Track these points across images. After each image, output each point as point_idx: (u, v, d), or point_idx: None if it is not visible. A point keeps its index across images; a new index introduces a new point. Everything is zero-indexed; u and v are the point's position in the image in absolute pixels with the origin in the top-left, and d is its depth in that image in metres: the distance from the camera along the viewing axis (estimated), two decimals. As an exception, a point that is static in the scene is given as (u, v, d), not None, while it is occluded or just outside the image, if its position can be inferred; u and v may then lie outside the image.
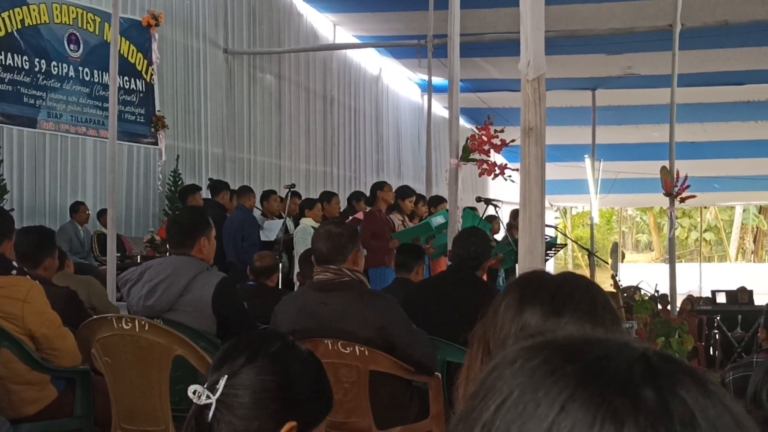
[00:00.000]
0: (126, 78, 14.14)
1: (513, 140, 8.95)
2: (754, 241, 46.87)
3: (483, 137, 8.88)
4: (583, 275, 2.03)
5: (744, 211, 43.56)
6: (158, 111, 14.76)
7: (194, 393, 2.08)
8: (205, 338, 4.98)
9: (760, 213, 44.15)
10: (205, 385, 2.09)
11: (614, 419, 0.79)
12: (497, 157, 9.67)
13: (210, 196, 13.08)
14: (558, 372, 0.84)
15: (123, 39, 13.30)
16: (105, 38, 13.70)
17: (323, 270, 4.98)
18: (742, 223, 45.59)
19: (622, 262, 40.47)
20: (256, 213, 12.84)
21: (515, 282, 1.94)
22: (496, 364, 0.89)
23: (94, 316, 4.95)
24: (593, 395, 0.81)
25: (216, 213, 11.65)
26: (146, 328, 4.56)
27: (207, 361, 4.68)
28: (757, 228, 45.94)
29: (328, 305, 4.87)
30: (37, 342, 5.03)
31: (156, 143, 14.70)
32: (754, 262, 44.56)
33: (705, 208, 36.39)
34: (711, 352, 14.11)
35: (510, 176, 8.89)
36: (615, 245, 20.02)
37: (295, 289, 11.40)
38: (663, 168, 12.92)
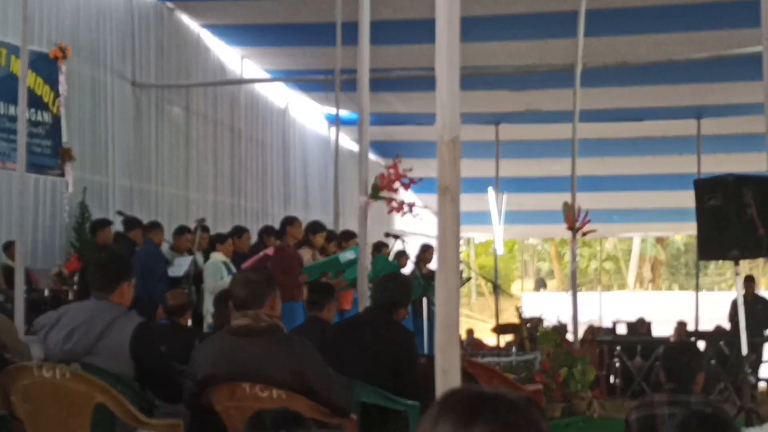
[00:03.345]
0: (33, 110, 14.00)
1: (421, 178, 9.17)
2: (652, 270, 47.93)
3: (392, 176, 9.05)
4: (514, 393, 1.89)
5: (642, 241, 44.53)
6: (65, 143, 14.66)
7: None
8: (123, 382, 5.04)
9: (657, 243, 45.21)
10: None
11: None
12: (404, 193, 9.87)
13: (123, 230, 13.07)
14: None
15: (30, 71, 13.19)
16: (11, 70, 13.60)
17: (241, 315, 5.09)
18: (641, 253, 46.61)
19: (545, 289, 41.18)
20: (165, 247, 12.84)
21: (440, 397, 1.87)
22: None
23: (14, 364, 4.97)
24: None
25: (126, 247, 11.68)
26: (67, 376, 4.62)
27: (126, 407, 4.76)
28: (655, 258, 47.02)
29: (246, 350, 4.98)
30: (-46, 388, 5.03)
31: (63, 175, 14.60)
32: (651, 290, 45.56)
33: (604, 238, 37.12)
34: (611, 381, 14.48)
35: (417, 214, 9.11)
36: (541, 280, 20.35)
37: (205, 324, 11.47)
38: (565, 203, 13.25)
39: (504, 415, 1.78)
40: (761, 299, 15.63)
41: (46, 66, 14.40)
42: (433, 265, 13.49)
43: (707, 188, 9.57)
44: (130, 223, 13.14)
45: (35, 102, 14.06)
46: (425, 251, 14.00)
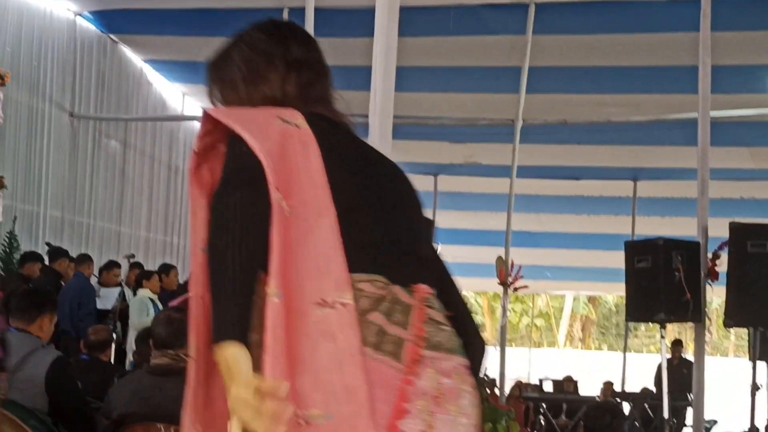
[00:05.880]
0: (-34, 136, 13.81)
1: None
2: (582, 329, 48.23)
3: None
4: None
5: (574, 299, 44.83)
6: (-2, 170, 14.44)
7: None
8: (36, 416, 4.93)
9: (589, 302, 45.52)
10: None
11: None
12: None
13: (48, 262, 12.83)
14: None
15: (-34, 96, 13.01)
16: (-53, 94, 13.42)
17: (161, 354, 5.00)
18: (572, 311, 46.90)
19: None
20: (93, 281, 12.65)
21: None
22: None
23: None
24: None
25: (52, 280, 11.46)
26: (-23, 410, 4.52)
27: (37, 442, 4.64)
28: (586, 317, 47.33)
29: (164, 390, 4.89)
30: None
31: (-7, 203, 14.35)
32: (581, 349, 45.82)
33: (537, 295, 37.26)
34: (536, 438, 14.49)
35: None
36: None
37: (127, 361, 11.29)
38: (499, 258, 13.28)
39: None
40: (687, 363, 15.72)
41: (-17, 92, 14.19)
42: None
43: (637, 250, 9.63)
44: (55, 253, 12.89)
45: (-31, 127, 13.84)
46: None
